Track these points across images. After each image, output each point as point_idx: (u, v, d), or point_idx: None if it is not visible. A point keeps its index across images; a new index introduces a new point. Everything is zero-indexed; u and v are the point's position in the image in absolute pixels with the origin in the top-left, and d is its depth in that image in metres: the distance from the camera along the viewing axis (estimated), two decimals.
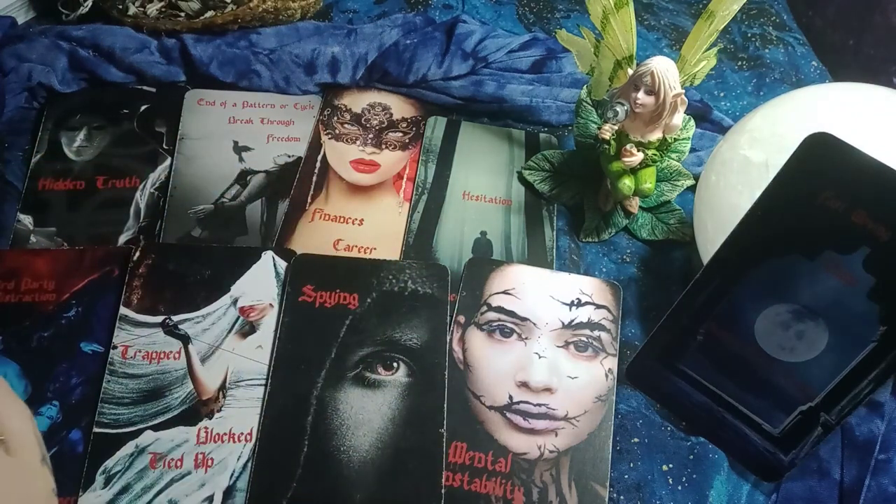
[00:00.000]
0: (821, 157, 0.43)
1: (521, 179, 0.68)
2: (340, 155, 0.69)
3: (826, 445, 0.53)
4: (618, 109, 0.56)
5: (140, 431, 0.51)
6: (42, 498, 0.39)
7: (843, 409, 0.48)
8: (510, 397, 0.54)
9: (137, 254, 0.58)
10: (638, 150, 0.58)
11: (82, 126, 0.68)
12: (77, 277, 0.57)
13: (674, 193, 0.65)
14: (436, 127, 0.72)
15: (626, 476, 0.52)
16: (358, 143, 0.70)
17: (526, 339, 0.56)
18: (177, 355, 0.54)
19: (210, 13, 0.73)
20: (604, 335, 0.57)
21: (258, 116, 0.71)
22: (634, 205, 0.65)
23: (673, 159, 0.64)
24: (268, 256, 0.59)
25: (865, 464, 0.52)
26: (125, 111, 0.69)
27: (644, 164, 0.59)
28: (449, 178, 0.68)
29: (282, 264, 0.59)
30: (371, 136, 0.70)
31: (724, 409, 0.53)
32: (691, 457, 0.53)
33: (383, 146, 0.70)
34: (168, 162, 0.66)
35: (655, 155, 0.58)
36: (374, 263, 0.60)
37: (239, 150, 0.68)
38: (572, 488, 0.51)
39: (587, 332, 0.57)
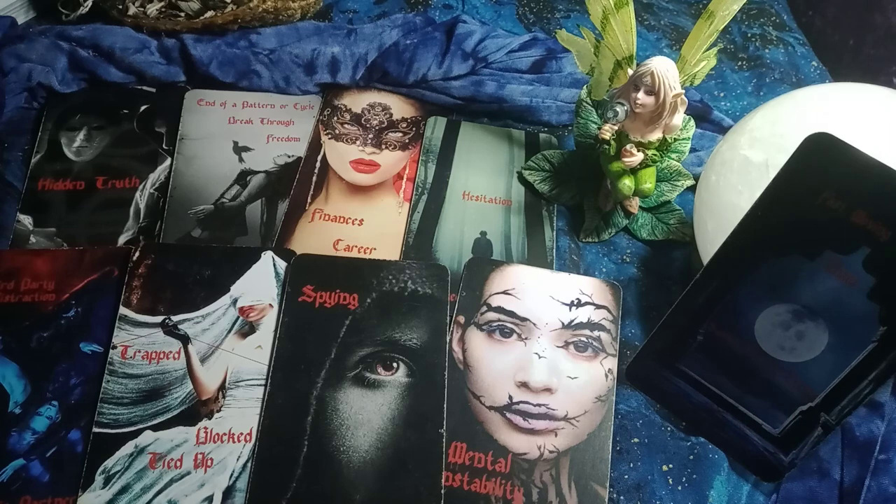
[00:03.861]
0: (821, 157, 0.43)
1: (521, 179, 0.68)
2: (340, 155, 0.69)
3: (826, 445, 0.53)
4: (618, 109, 0.56)
5: (139, 431, 0.51)
6: None
7: (843, 410, 0.47)
8: (510, 397, 0.54)
9: (137, 254, 0.58)
10: (638, 151, 0.58)
11: (82, 126, 0.68)
12: (77, 278, 0.57)
13: (674, 193, 0.65)
14: (436, 127, 0.72)
15: (626, 476, 0.52)
16: (358, 143, 0.70)
17: (526, 339, 0.56)
18: (176, 355, 0.54)
19: (210, 13, 0.73)
20: (604, 335, 0.57)
21: (258, 116, 0.71)
22: (634, 205, 0.65)
23: (673, 159, 0.64)
24: (268, 256, 0.59)
25: (865, 464, 0.52)
26: (125, 111, 0.70)
27: (644, 165, 0.59)
28: (449, 178, 0.68)
29: (282, 264, 0.59)
30: (371, 136, 0.70)
31: (724, 409, 0.53)
32: (691, 457, 0.53)
33: (383, 146, 0.70)
34: (168, 162, 0.66)
35: (655, 155, 0.58)
36: (374, 263, 0.60)
37: (239, 150, 0.68)
38: (572, 488, 0.51)
39: (587, 332, 0.57)
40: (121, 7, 0.74)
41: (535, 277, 0.60)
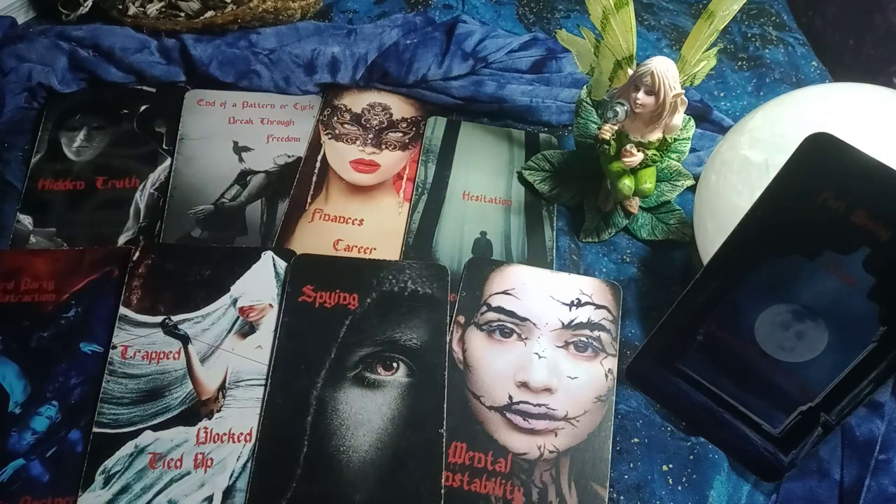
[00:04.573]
0: (821, 157, 0.43)
1: (521, 179, 0.68)
2: (340, 155, 0.69)
3: (826, 445, 0.53)
4: (618, 109, 0.56)
5: (139, 431, 0.51)
6: None
7: (843, 410, 0.47)
8: (510, 397, 0.54)
9: (137, 254, 0.58)
10: (638, 151, 0.58)
11: (82, 126, 0.68)
12: (77, 278, 0.57)
13: (674, 193, 0.65)
14: (436, 127, 0.72)
15: (626, 476, 0.52)
16: (358, 143, 0.70)
17: (526, 339, 0.56)
18: (176, 355, 0.54)
19: (210, 13, 0.73)
20: (604, 335, 0.57)
21: (258, 116, 0.71)
22: (634, 205, 0.65)
23: (673, 159, 0.64)
24: (268, 256, 0.59)
25: (865, 464, 0.52)
26: (125, 111, 0.70)
27: (644, 165, 0.59)
28: (449, 178, 0.68)
29: (282, 264, 0.59)
30: (371, 136, 0.70)
31: (724, 409, 0.53)
32: (691, 457, 0.53)
33: (383, 146, 0.70)
34: (168, 162, 0.66)
35: (655, 155, 0.58)
36: (373, 263, 0.60)
37: (239, 150, 0.68)
38: (572, 488, 0.51)
39: (587, 332, 0.57)
40: (121, 7, 0.74)
41: (535, 277, 0.60)
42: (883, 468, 0.52)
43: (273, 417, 0.52)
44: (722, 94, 0.79)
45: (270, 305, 0.57)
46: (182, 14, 0.74)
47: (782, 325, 0.49)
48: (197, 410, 0.52)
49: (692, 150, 0.68)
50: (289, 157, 0.68)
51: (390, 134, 0.71)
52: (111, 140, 0.68)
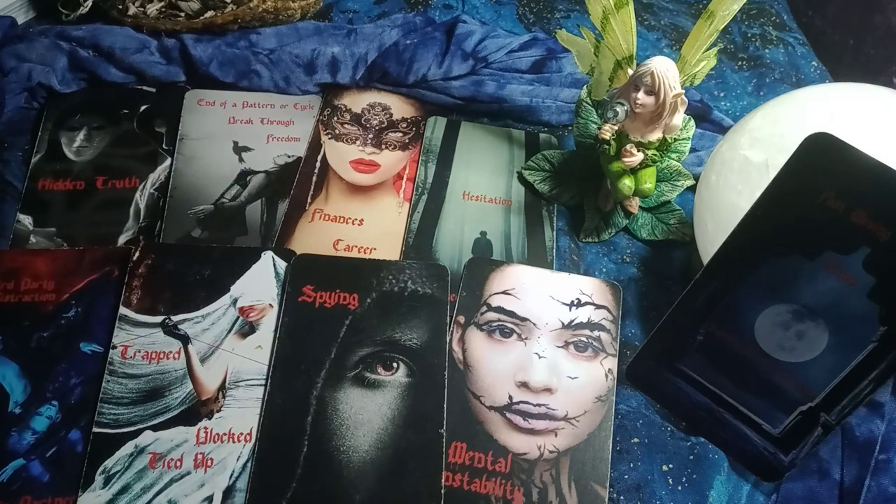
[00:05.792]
0: (821, 157, 0.43)
1: (521, 179, 0.68)
2: (340, 155, 0.69)
3: (826, 445, 0.53)
4: (618, 109, 0.56)
5: (139, 431, 0.51)
6: None
7: (844, 410, 0.47)
8: (510, 397, 0.54)
9: (137, 254, 0.58)
10: (638, 151, 0.58)
11: (82, 126, 0.68)
12: (77, 277, 0.57)
13: (674, 193, 0.65)
14: (436, 127, 0.72)
15: (626, 476, 0.52)
16: (358, 143, 0.70)
17: (526, 339, 0.56)
18: (176, 355, 0.54)
19: (210, 13, 0.73)
20: (604, 335, 0.57)
21: (258, 116, 0.71)
22: (634, 205, 0.65)
23: (673, 159, 0.64)
24: (268, 256, 0.59)
25: (865, 464, 0.52)
26: (125, 111, 0.70)
27: (644, 165, 0.59)
28: (449, 178, 0.68)
29: (282, 264, 0.59)
30: (371, 136, 0.70)
31: (724, 409, 0.53)
32: (691, 457, 0.53)
33: (383, 146, 0.70)
34: (168, 162, 0.66)
35: (655, 155, 0.58)
36: (374, 263, 0.60)
37: (239, 150, 0.68)
38: (572, 488, 0.51)
39: (587, 332, 0.57)
40: (121, 7, 0.74)
41: (535, 277, 0.60)
42: (883, 468, 0.52)
43: (273, 417, 0.52)
44: (722, 94, 0.79)
45: (270, 305, 0.57)
46: (182, 14, 0.74)
47: (782, 325, 0.49)
48: (197, 410, 0.52)
49: (692, 150, 0.68)
50: (289, 157, 0.68)
51: (390, 134, 0.71)
52: (111, 140, 0.68)
